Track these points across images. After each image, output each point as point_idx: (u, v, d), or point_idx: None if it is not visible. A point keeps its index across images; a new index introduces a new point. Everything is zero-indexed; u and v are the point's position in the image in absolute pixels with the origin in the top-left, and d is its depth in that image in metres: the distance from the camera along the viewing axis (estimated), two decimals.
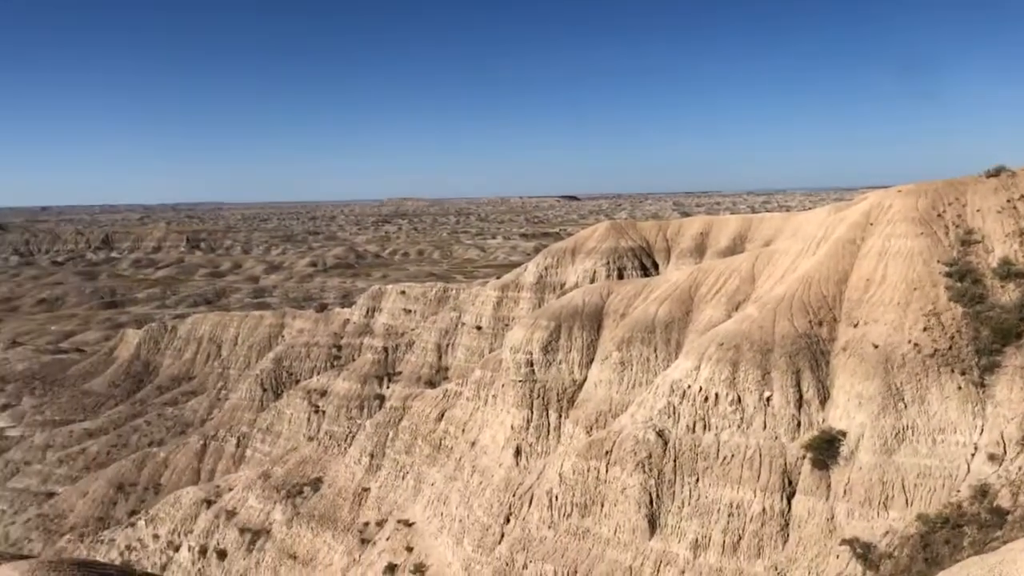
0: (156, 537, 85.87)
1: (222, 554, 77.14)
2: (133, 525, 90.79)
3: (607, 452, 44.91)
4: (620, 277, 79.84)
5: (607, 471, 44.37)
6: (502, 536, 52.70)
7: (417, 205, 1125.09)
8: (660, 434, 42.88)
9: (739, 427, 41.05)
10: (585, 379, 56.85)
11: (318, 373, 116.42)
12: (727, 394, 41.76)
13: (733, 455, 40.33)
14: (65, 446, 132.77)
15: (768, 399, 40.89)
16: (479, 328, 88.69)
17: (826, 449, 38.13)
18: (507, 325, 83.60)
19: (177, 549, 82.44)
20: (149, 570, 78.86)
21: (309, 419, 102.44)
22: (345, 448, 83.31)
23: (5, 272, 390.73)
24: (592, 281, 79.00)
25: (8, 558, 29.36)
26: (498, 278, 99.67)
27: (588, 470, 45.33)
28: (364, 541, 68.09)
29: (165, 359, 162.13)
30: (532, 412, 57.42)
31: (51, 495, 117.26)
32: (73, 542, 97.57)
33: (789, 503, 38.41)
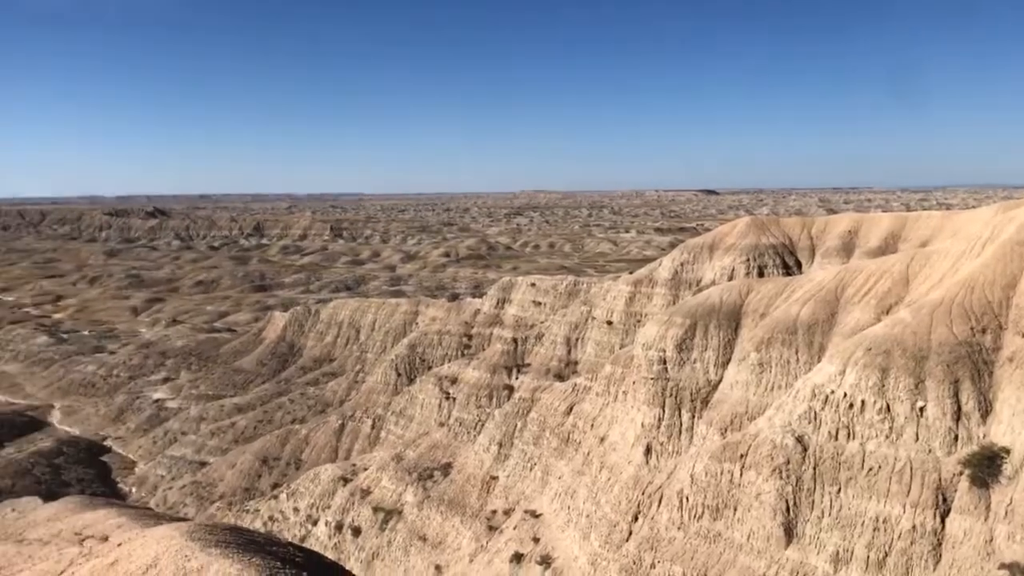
0: (296, 510, 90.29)
1: (356, 531, 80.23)
2: (276, 498, 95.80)
3: (742, 455, 43.46)
4: (760, 275, 77.18)
5: (741, 475, 42.96)
6: (630, 534, 52.10)
7: (549, 198, 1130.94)
8: (799, 440, 41.06)
9: (887, 437, 38.70)
10: (720, 379, 55.24)
11: (449, 361, 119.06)
12: (875, 402, 39.44)
13: (880, 466, 38.08)
14: (216, 419, 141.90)
15: (922, 409, 38.32)
16: (610, 323, 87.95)
17: (987, 466, 35.35)
18: (639, 321, 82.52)
19: (315, 523, 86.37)
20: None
21: (440, 405, 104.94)
22: (474, 436, 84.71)
23: (167, 256, 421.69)
24: (730, 278, 76.73)
25: (168, 519, 31.57)
26: (631, 273, 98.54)
27: (721, 473, 44.04)
28: (492, 528, 69.03)
29: (308, 341, 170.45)
30: (664, 411, 56.35)
31: (203, 464, 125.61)
32: (222, 509, 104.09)
33: (943, 521, 35.89)
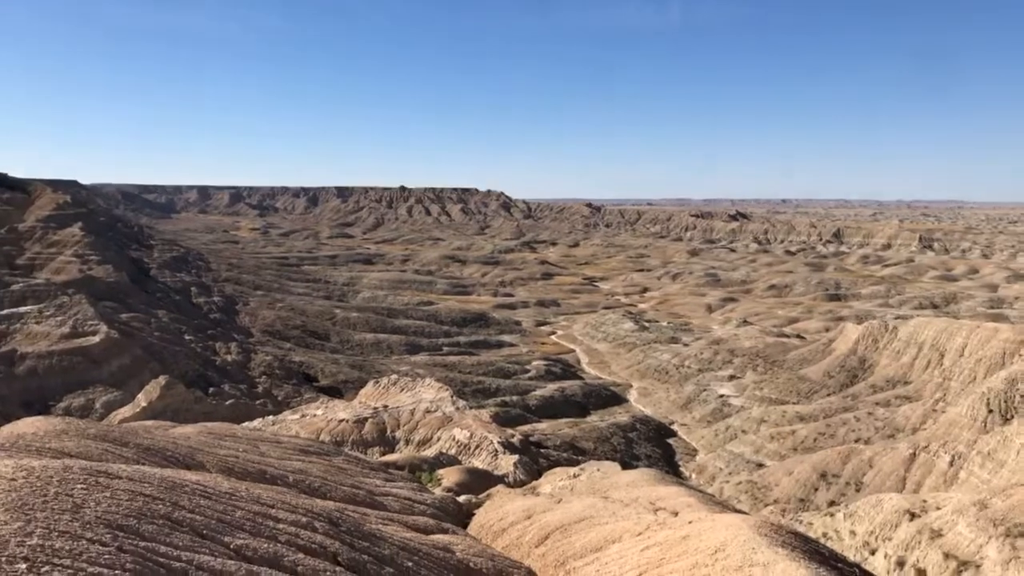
0: (853, 533, 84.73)
1: (921, 573, 71.91)
2: (832, 515, 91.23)
3: None
4: None
5: None
6: None
7: None
8: None
9: None
10: None
11: None
12: None
13: None
14: (777, 424, 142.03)
15: None
16: None
17: None
18: None
19: (872, 552, 79.88)
20: None
21: None
22: None
23: (744, 258, 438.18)
24: None
25: (731, 509, 31.73)
26: None
27: None
28: None
29: (882, 359, 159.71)
30: None
31: (760, 466, 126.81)
32: (775, 514, 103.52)
33: None
